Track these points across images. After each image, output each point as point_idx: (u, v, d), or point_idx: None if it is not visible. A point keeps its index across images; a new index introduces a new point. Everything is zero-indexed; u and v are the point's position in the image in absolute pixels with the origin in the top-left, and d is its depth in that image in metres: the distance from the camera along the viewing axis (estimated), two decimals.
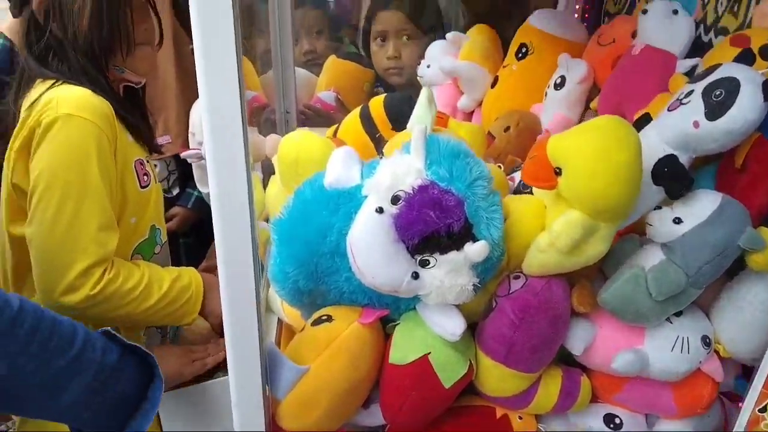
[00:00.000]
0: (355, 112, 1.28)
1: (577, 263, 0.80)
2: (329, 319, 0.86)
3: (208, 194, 0.71)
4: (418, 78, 1.62)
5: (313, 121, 1.82)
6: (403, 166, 0.81)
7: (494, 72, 1.47)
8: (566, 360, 0.92)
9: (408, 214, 0.78)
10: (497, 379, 0.86)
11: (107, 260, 0.97)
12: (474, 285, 0.79)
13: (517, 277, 0.84)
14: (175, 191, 1.68)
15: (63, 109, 0.95)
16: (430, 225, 0.77)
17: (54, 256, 0.96)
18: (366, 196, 0.84)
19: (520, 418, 0.90)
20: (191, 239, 1.76)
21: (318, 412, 0.84)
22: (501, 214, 0.79)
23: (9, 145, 1.00)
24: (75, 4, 0.98)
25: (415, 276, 0.79)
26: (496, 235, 0.78)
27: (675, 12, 1.08)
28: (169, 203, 1.66)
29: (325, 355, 0.83)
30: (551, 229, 0.78)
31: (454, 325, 0.81)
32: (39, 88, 1.01)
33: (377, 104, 1.25)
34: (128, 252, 1.08)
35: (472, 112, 1.56)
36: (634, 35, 1.16)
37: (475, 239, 0.77)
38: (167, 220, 1.67)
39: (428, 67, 1.58)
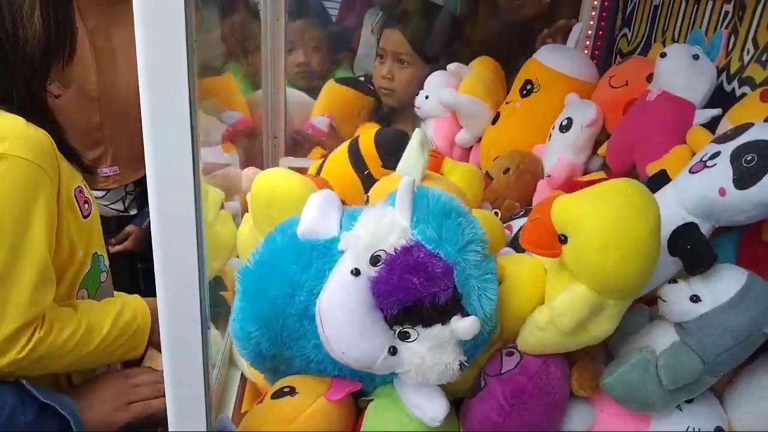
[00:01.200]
0: (343, 147, 1.19)
1: (579, 343, 0.70)
2: (292, 391, 0.75)
3: None
4: (415, 109, 1.53)
5: (303, 149, 1.73)
6: (387, 222, 0.71)
7: (496, 108, 1.38)
8: None
9: (388, 278, 0.68)
10: None
11: (38, 318, 0.84)
12: (460, 363, 0.68)
13: (510, 354, 0.74)
14: (133, 211, 1.59)
15: (5, 146, 0.79)
16: (413, 293, 0.67)
17: None
18: (342, 252, 0.74)
19: None
20: (151, 263, 1.65)
21: None
22: (495, 284, 0.69)
23: None
24: (25, 2, 0.85)
25: (393, 351, 0.69)
26: (489, 308, 0.68)
27: (696, 57, 0.99)
28: (126, 223, 1.57)
29: (288, 430, 0.72)
30: (553, 305, 0.67)
31: (435, 409, 0.70)
32: None
33: (368, 139, 1.15)
34: (74, 290, 0.97)
35: (471, 147, 1.47)
36: (649, 79, 1.07)
37: (464, 312, 0.67)
38: (121, 240, 1.58)
39: (426, 98, 1.49)
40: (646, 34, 1.28)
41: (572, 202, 0.66)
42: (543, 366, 0.71)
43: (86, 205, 0.95)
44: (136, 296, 1.01)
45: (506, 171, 1.21)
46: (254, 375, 0.93)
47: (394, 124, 1.75)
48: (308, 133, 1.73)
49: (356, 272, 0.70)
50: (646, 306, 0.81)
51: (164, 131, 0.54)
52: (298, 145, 1.74)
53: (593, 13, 1.47)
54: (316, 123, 1.74)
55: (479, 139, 1.43)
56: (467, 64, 1.47)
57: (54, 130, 0.89)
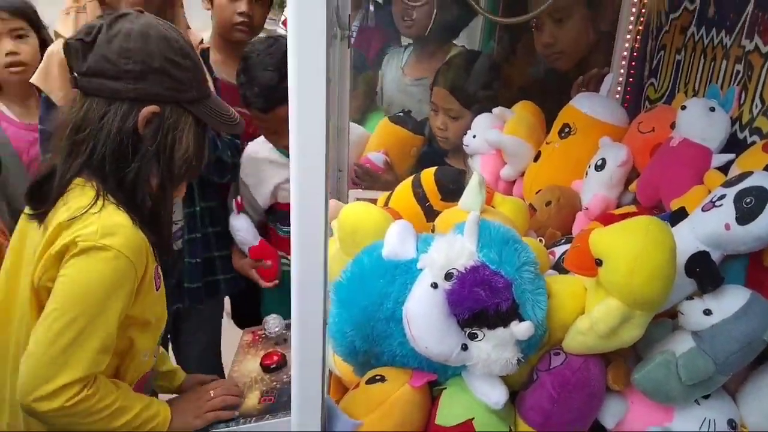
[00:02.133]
0: (407, 182, 1.39)
1: (613, 346, 0.88)
2: (382, 379, 0.95)
3: None
4: (464, 147, 1.73)
5: (363, 181, 1.93)
6: (457, 247, 0.90)
7: (537, 146, 1.57)
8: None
9: (460, 291, 0.87)
10: None
11: (91, 379, 1.00)
12: (518, 359, 0.87)
13: (557, 354, 0.92)
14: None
15: (103, 239, 0.98)
16: (480, 303, 0.86)
17: (46, 363, 0.97)
18: (421, 270, 0.94)
19: None
20: None
21: None
22: (546, 297, 0.88)
23: (43, 248, 1.02)
24: (178, 128, 1.08)
25: (464, 348, 0.88)
26: (541, 315, 0.87)
27: (712, 109, 1.17)
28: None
29: (377, 412, 0.91)
30: (591, 315, 0.86)
31: (498, 395, 0.89)
32: (78, 196, 1.04)
33: (428, 176, 1.35)
34: (153, 346, 1.18)
35: (514, 181, 1.65)
36: (672, 126, 1.25)
37: (521, 318, 0.86)
38: None
39: (474, 137, 1.69)
40: (670, 84, 1.46)
41: (606, 233, 0.85)
42: (584, 363, 0.89)
43: (158, 279, 1.13)
44: (164, 402, 1.17)
45: (548, 203, 1.40)
46: (341, 369, 1.13)
47: (448, 160, 1.96)
48: (366, 167, 1.94)
49: (434, 286, 0.89)
50: (669, 319, 0.98)
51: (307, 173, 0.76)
52: (358, 177, 1.95)
53: (623, 63, 1.66)
54: (372, 158, 1.95)
55: (521, 174, 1.62)
56: (505, 106, 1.67)
57: (158, 225, 1.11)
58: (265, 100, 1.65)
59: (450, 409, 0.92)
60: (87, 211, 1.01)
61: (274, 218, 1.92)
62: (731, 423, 0.92)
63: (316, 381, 0.86)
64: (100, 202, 1.02)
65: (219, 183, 1.79)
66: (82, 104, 1.07)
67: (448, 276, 0.89)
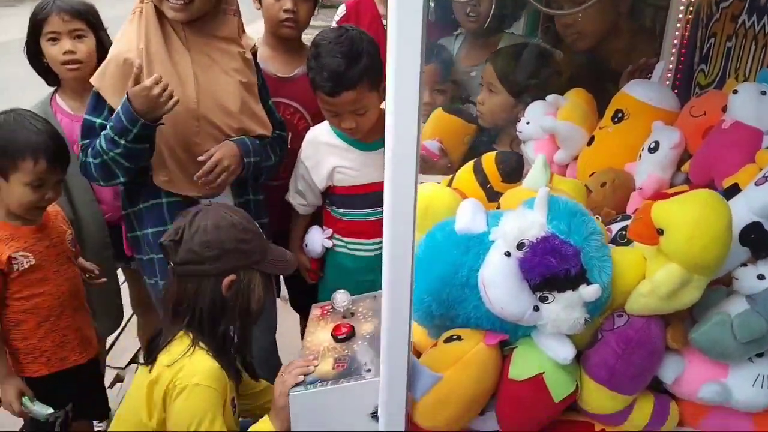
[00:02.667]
0: (468, 167, 1.50)
1: (673, 307, 0.97)
2: (459, 338, 1.06)
3: None
4: (517, 133, 1.82)
5: (421, 167, 2.04)
6: (528, 220, 1.01)
7: (590, 131, 1.65)
8: (658, 388, 1.07)
9: (532, 258, 0.98)
10: (599, 398, 1.03)
11: None
12: (585, 319, 0.97)
13: (620, 316, 1.01)
14: None
15: (195, 379, 1.31)
16: (551, 269, 0.96)
17: None
18: (493, 241, 1.05)
19: None
20: None
21: (447, 414, 1.04)
22: (611, 263, 0.98)
23: (149, 385, 1.37)
24: (251, 285, 1.41)
25: (536, 309, 0.98)
26: (606, 279, 0.97)
27: (763, 93, 1.24)
28: None
29: (456, 366, 1.03)
30: (653, 279, 0.95)
31: (566, 351, 0.99)
32: (178, 345, 1.38)
33: (489, 160, 1.46)
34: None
35: (567, 165, 1.74)
36: (724, 109, 1.32)
37: (588, 282, 0.96)
38: None
39: (528, 123, 1.78)
40: (720, 70, 1.53)
41: (667, 205, 0.94)
42: (646, 323, 0.98)
43: (234, 407, 1.45)
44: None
45: (603, 185, 1.48)
46: (415, 335, 1.25)
47: (496, 146, 2.05)
48: (423, 153, 2.05)
49: (508, 254, 1.00)
50: (723, 286, 1.06)
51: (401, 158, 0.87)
52: None
53: (674, 50, 1.73)
54: (428, 146, 2.07)
55: (575, 159, 1.70)
56: (556, 93, 1.76)
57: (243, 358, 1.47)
58: (333, 84, 1.77)
59: (522, 365, 1.03)
60: (182, 356, 1.35)
61: (330, 201, 2.06)
62: None
63: (404, 342, 0.97)
64: (191, 349, 1.36)
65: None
66: (179, 285, 1.42)
67: (519, 246, 1.00)
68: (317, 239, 2.06)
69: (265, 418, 1.40)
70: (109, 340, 2.86)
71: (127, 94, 1.62)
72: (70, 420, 1.96)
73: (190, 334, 1.40)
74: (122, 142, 1.62)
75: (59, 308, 1.81)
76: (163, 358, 1.38)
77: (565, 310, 0.96)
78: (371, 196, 1.98)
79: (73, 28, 1.92)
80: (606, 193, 1.46)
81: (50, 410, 1.80)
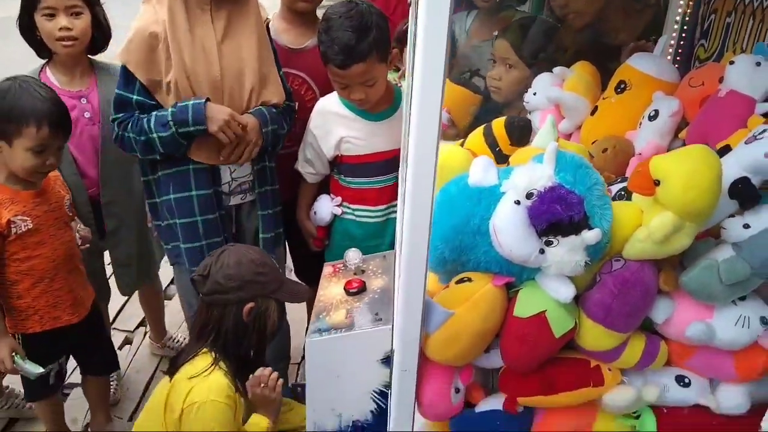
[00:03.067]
0: (478, 131, 1.59)
1: (666, 252, 1.07)
2: (469, 280, 1.16)
3: None
4: (524, 103, 1.91)
5: None
6: (537, 172, 1.10)
7: (594, 102, 1.74)
8: (650, 330, 1.18)
9: (539, 206, 1.07)
10: (595, 336, 1.13)
11: None
12: (586, 262, 1.07)
13: (617, 260, 1.11)
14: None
15: (211, 396, 1.56)
16: (557, 215, 1.06)
17: None
18: (504, 193, 1.14)
19: (609, 369, 1.17)
20: None
21: (456, 348, 1.15)
22: (611, 211, 1.07)
23: (169, 393, 1.63)
24: (268, 311, 1.69)
25: (542, 251, 1.08)
26: (606, 226, 1.06)
27: (758, 64, 1.32)
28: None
29: (466, 304, 1.13)
30: (649, 225, 1.05)
31: (567, 291, 1.09)
32: (200, 360, 1.64)
33: (499, 124, 1.55)
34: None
35: (570, 134, 1.83)
36: (720, 80, 1.41)
37: (590, 228, 1.05)
38: None
39: (534, 94, 1.87)
40: (719, 45, 1.61)
41: (664, 158, 1.03)
42: (640, 266, 1.08)
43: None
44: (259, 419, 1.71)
45: (604, 150, 1.57)
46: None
47: (502, 116, 2.14)
48: None
49: (517, 203, 1.09)
50: (712, 238, 1.16)
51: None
52: None
53: (676, 26, 1.81)
54: None
55: (578, 128, 1.79)
56: (561, 66, 1.84)
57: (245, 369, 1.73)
58: (344, 57, 1.85)
59: (526, 304, 1.13)
60: (202, 372, 1.60)
61: (338, 170, 2.15)
62: (763, 320, 1.10)
63: (420, 283, 1.07)
64: (212, 368, 1.62)
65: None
66: (207, 311, 1.70)
67: (528, 195, 1.09)
68: (326, 207, 2.16)
69: (255, 415, 1.71)
70: (116, 307, 2.95)
71: (208, 100, 1.77)
72: (71, 374, 2.08)
73: (214, 354, 1.66)
74: (174, 130, 1.75)
75: (54, 270, 1.90)
76: (187, 369, 1.64)
77: (568, 253, 1.06)
78: (377, 164, 2.08)
79: (70, 5, 1.94)
80: (607, 158, 1.55)
81: (40, 369, 1.90)
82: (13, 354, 1.84)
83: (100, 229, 2.20)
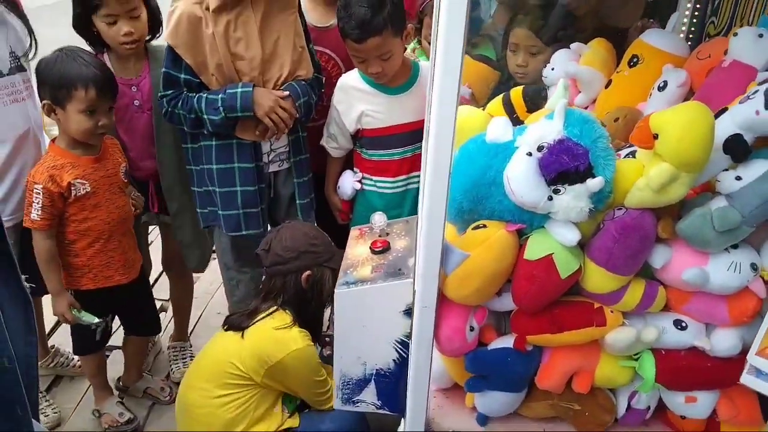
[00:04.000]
0: (497, 99, 1.71)
1: (663, 201, 1.17)
2: (485, 226, 1.28)
3: None
4: (542, 78, 2.01)
5: None
6: (547, 127, 1.22)
7: (608, 76, 1.83)
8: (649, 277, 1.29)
9: (549, 157, 1.19)
10: (598, 279, 1.24)
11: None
12: (590, 209, 1.18)
13: (619, 209, 1.22)
14: None
15: (301, 344, 1.83)
16: (564, 165, 1.17)
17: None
18: (517, 147, 1.26)
19: (612, 312, 1.28)
20: None
21: (471, 287, 1.27)
22: (614, 161, 1.19)
23: (251, 346, 1.87)
24: (323, 279, 1.91)
25: (550, 198, 1.20)
26: (609, 175, 1.17)
27: (761, 35, 1.41)
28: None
29: (481, 247, 1.25)
30: (647, 174, 1.16)
31: (572, 235, 1.20)
32: (280, 317, 1.89)
33: (517, 93, 1.67)
34: None
35: (586, 107, 1.92)
36: (726, 53, 1.50)
37: (594, 177, 1.16)
38: None
39: (552, 69, 1.97)
40: (728, 21, 1.70)
41: (662, 113, 1.14)
42: (640, 213, 1.19)
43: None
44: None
45: (616, 120, 1.67)
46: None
47: None
48: None
49: (529, 154, 1.21)
50: (709, 193, 1.26)
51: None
52: None
53: (689, 5, 1.89)
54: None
55: (593, 101, 1.89)
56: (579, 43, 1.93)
57: (318, 329, 2.03)
58: (360, 32, 1.98)
59: (535, 248, 1.25)
60: (286, 328, 1.85)
61: (360, 144, 2.29)
62: (753, 266, 1.20)
63: (439, 227, 1.19)
64: (292, 323, 1.87)
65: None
66: (270, 281, 1.93)
67: (539, 148, 1.21)
68: (349, 182, 2.32)
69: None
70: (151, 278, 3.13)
71: (254, 85, 1.92)
72: (116, 332, 2.26)
73: (288, 312, 1.89)
74: (223, 114, 1.92)
75: (109, 232, 2.05)
76: (269, 322, 1.87)
77: (573, 199, 1.17)
78: (396, 137, 2.22)
79: (130, 8, 2.01)
80: (618, 127, 1.65)
81: (96, 319, 2.08)
82: (72, 308, 2.02)
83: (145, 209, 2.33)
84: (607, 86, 1.83)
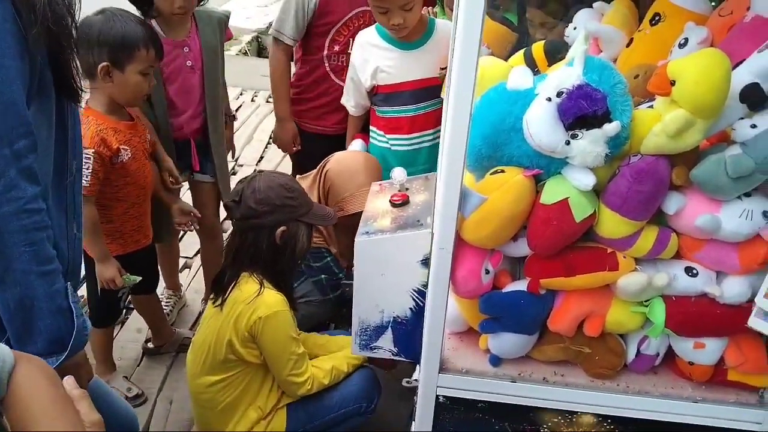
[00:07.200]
0: (519, 54, 1.73)
1: (679, 147, 1.20)
2: (503, 171, 1.32)
3: None
4: (564, 38, 2.02)
5: None
6: (567, 73, 1.25)
7: (630, 35, 1.84)
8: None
9: (568, 102, 1.22)
10: (612, 224, 1.28)
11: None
12: (606, 154, 1.21)
13: (635, 155, 1.26)
14: None
15: (272, 308, 1.74)
16: (582, 110, 1.20)
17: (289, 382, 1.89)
18: (537, 94, 1.29)
19: (624, 257, 1.32)
20: None
21: (488, 230, 1.31)
22: (631, 108, 1.22)
23: (226, 318, 1.79)
24: (298, 234, 1.81)
25: (567, 143, 1.23)
26: (626, 120, 1.21)
27: None
28: None
29: (499, 190, 1.29)
30: (664, 120, 1.19)
31: (588, 179, 1.24)
32: (246, 284, 1.79)
33: (538, 47, 1.69)
34: None
35: None
36: (748, 9, 1.50)
37: (611, 122, 1.20)
38: None
39: (574, 29, 1.98)
40: None
41: (679, 60, 1.17)
42: (655, 159, 1.22)
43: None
44: None
45: (636, 77, 1.68)
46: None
47: None
48: None
49: (549, 99, 1.24)
50: (725, 144, 1.29)
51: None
52: None
53: None
54: None
55: (614, 60, 1.90)
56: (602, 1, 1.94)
57: (290, 292, 1.93)
58: None
59: (551, 192, 1.29)
60: (256, 296, 1.74)
61: (374, 101, 2.35)
62: (765, 214, 1.23)
63: (458, 171, 1.23)
64: (261, 290, 1.76)
65: None
66: (240, 236, 1.81)
67: (559, 93, 1.24)
68: (357, 149, 2.41)
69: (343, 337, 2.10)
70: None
71: None
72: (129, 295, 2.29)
73: (255, 276, 1.78)
74: None
75: (142, 197, 2.08)
76: (236, 295, 1.77)
77: (591, 144, 1.21)
78: (409, 93, 2.28)
79: None
80: (638, 84, 1.66)
81: (140, 278, 2.09)
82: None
83: (185, 164, 2.38)
84: (628, 45, 1.84)
